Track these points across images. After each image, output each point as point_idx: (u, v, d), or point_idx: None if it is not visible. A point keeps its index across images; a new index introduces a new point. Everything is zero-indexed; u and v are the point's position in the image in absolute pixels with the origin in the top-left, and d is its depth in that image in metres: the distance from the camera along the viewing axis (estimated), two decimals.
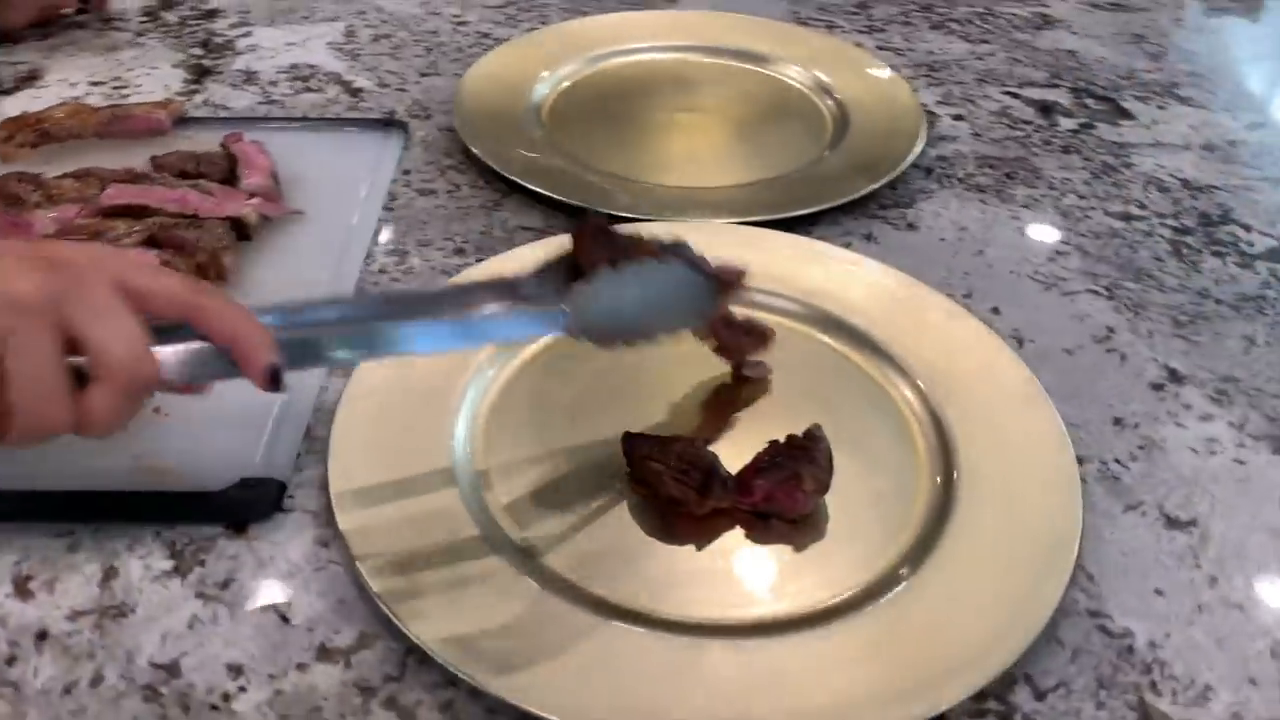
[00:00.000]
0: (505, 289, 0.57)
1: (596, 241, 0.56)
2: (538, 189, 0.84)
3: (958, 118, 1.00)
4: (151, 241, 0.71)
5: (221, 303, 0.49)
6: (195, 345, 0.48)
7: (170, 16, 1.14)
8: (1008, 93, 1.05)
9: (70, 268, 0.46)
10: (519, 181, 0.85)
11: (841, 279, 0.74)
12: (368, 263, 0.77)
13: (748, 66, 1.06)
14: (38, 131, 0.83)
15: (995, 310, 0.75)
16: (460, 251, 0.79)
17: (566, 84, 1.02)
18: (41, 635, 0.51)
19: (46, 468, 0.57)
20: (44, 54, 1.04)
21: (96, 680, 0.50)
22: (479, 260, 0.77)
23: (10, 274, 0.45)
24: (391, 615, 0.51)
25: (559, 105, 0.99)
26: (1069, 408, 0.65)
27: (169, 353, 0.48)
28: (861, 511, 0.59)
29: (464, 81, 0.98)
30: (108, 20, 1.12)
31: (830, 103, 1.00)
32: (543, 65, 1.03)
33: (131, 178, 0.77)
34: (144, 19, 1.13)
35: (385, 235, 0.80)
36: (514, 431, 0.63)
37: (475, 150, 0.88)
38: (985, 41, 1.16)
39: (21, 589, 0.54)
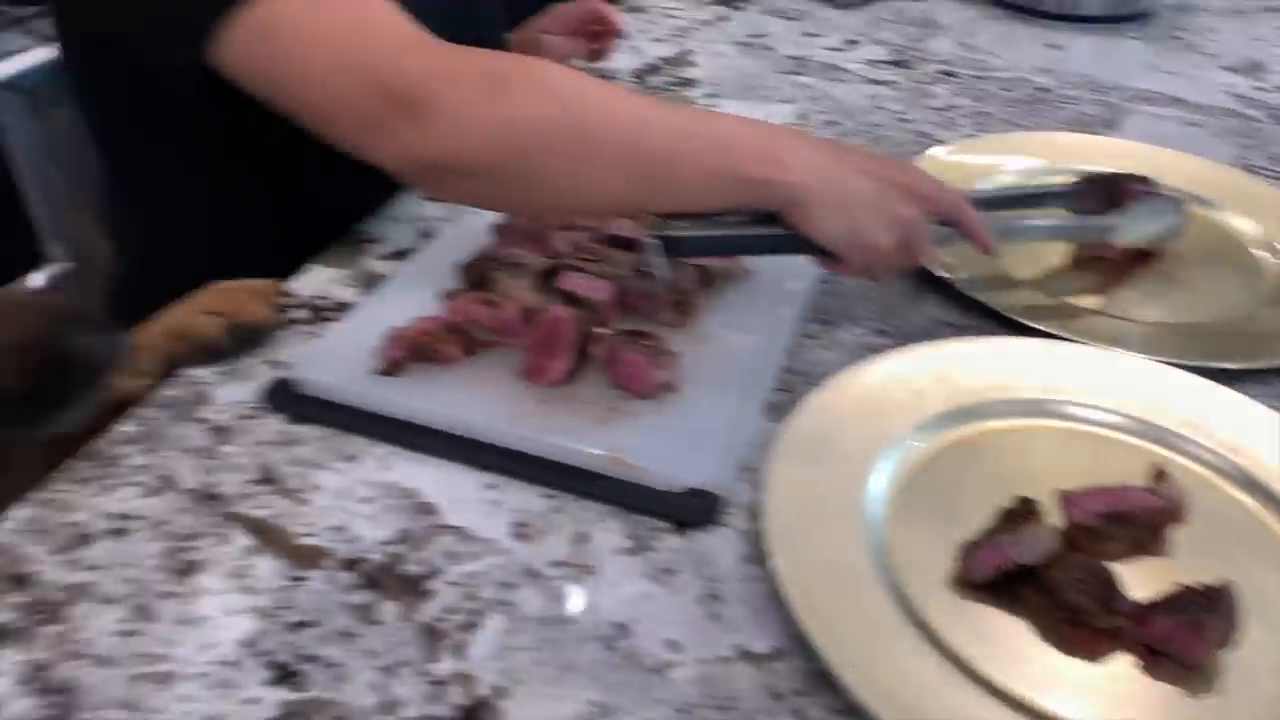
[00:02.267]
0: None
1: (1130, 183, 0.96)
2: (960, 288, 0.90)
3: None
4: (639, 272, 0.85)
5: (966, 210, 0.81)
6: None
7: (655, 80, 1.32)
8: None
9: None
10: (943, 277, 0.92)
11: (1265, 439, 0.75)
12: (800, 325, 0.87)
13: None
14: None
15: None
16: (883, 333, 0.88)
17: None
18: (532, 573, 0.65)
19: (544, 443, 0.71)
20: None
21: (570, 620, 0.62)
22: (898, 345, 0.85)
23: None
24: (809, 637, 0.59)
25: None
26: None
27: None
28: (1259, 676, 0.60)
29: None
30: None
31: (1274, 259, 0.99)
32: (975, 175, 1.09)
33: (630, 217, 0.92)
34: (633, 80, 1.31)
35: (818, 304, 0.90)
36: (927, 506, 0.70)
37: None
38: None
39: (519, 534, 0.67)
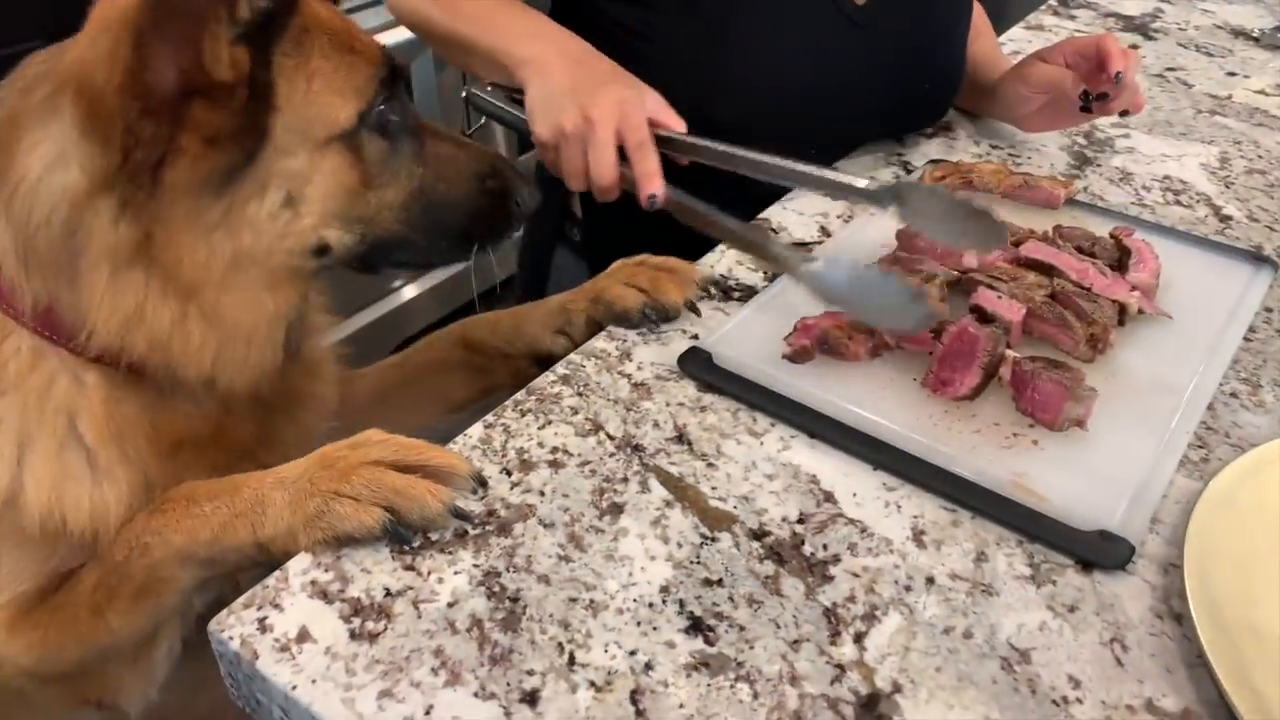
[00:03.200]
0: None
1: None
2: None
3: None
4: (1052, 298, 0.83)
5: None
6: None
7: None
8: None
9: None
10: None
11: None
12: (1222, 383, 0.82)
13: None
14: (964, 180, 1.01)
15: None
16: None
17: None
18: (930, 580, 0.65)
19: (945, 455, 0.72)
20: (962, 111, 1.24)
21: (968, 634, 0.62)
22: None
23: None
24: (1230, 702, 0.56)
25: None
26: None
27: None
28: None
29: None
30: None
31: None
32: None
33: (1044, 239, 0.90)
34: None
35: (1240, 362, 0.84)
36: None
37: None
38: None
39: (918, 538, 0.68)
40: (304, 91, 0.70)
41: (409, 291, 2.24)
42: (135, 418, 0.72)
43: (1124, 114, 1.06)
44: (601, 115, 0.85)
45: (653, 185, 0.85)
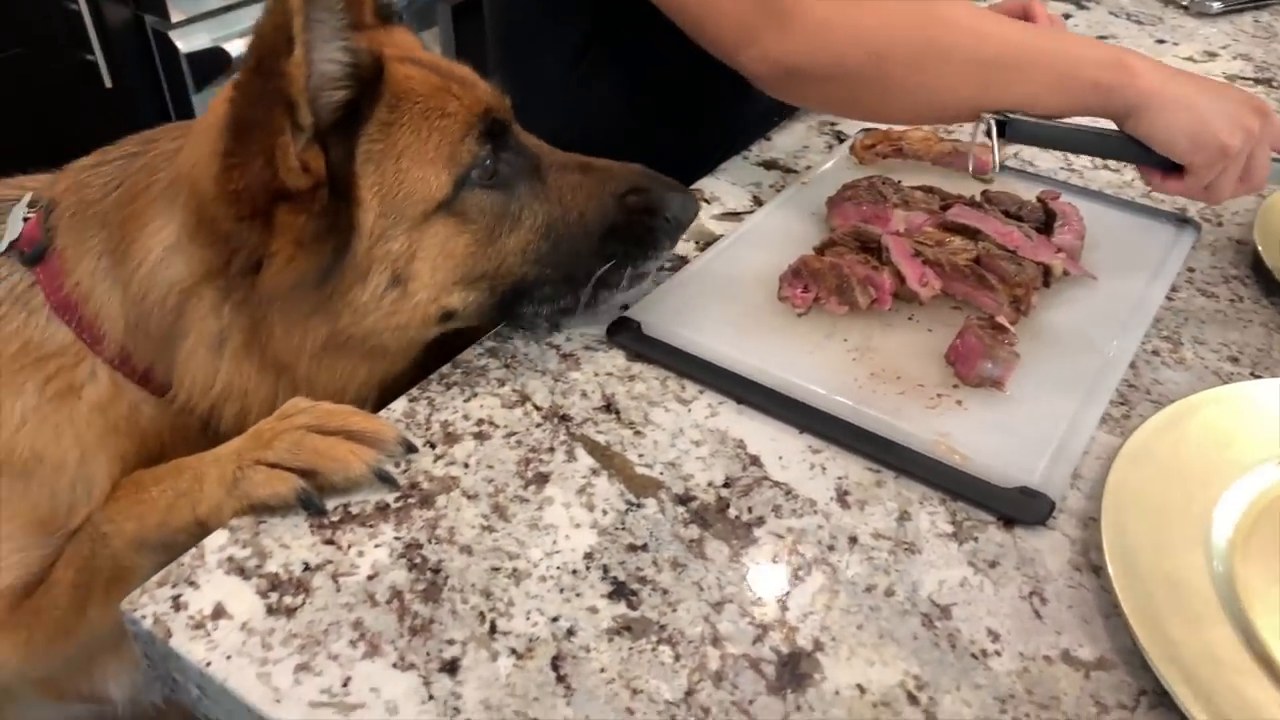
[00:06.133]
0: None
1: None
2: None
3: None
4: (975, 262, 0.84)
5: None
6: None
7: None
8: None
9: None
10: None
11: None
12: (1144, 342, 0.83)
13: None
14: (894, 147, 1.01)
15: None
16: (1234, 360, 0.82)
17: None
18: (853, 539, 0.66)
19: (870, 417, 0.72)
20: None
21: (889, 592, 0.63)
22: (1254, 375, 0.80)
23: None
24: (1144, 650, 0.57)
25: None
26: None
27: None
28: None
29: (1274, 201, 0.98)
30: None
31: None
32: None
33: (970, 203, 0.91)
34: None
35: (1161, 321, 0.86)
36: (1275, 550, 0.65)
37: (1272, 268, 0.89)
38: None
39: (842, 499, 0.68)
40: (393, 173, 0.69)
41: None
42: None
43: None
44: (1259, 124, 0.81)
45: None
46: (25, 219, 0.74)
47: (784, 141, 1.10)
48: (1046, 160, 1.09)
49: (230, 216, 0.66)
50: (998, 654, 0.59)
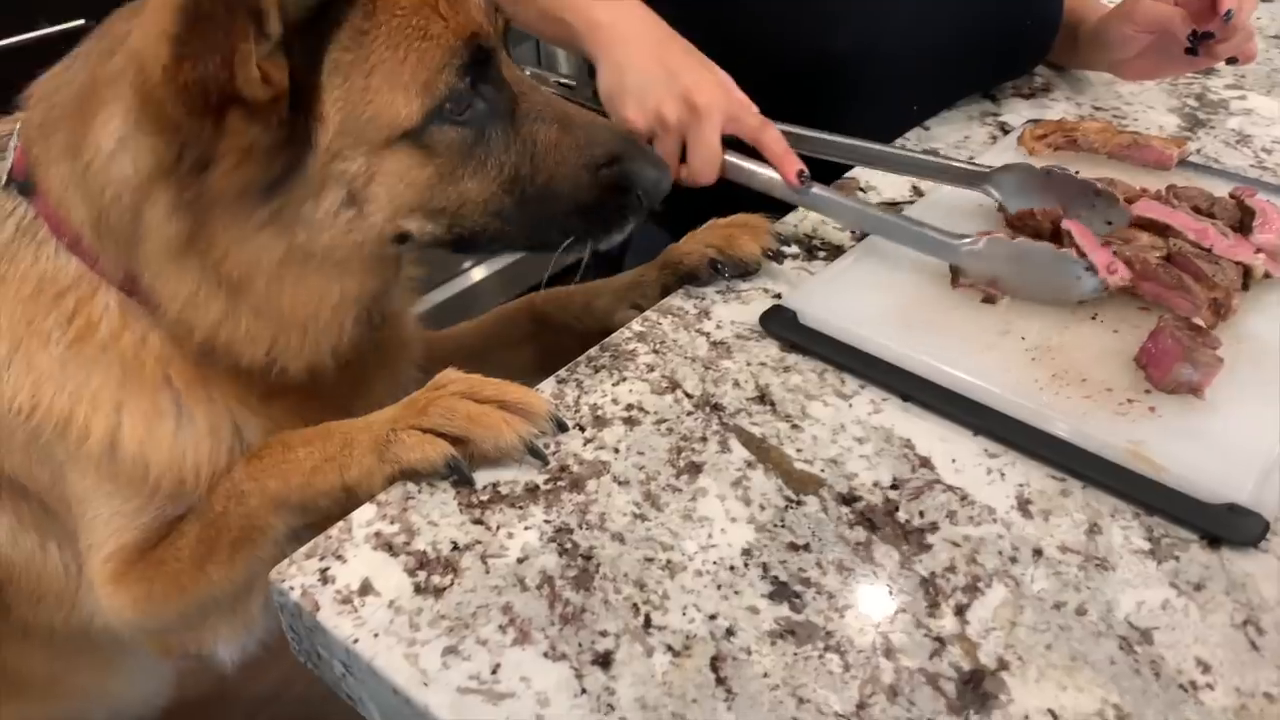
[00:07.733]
0: None
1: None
2: None
3: None
4: (1168, 259, 0.77)
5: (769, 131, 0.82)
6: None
7: None
8: None
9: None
10: None
11: None
12: None
13: None
14: (1067, 138, 0.94)
15: None
16: None
17: None
18: (1037, 552, 0.60)
19: (1054, 422, 0.66)
20: (1057, 71, 1.16)
21: (1081, 610, 0.57)
22: None
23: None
24: None
25: None
26: None
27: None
28: None
29: None
30: None
31: None
32: None
33: (1158, 197, 0.83)
34: None
35: None
36: None
37: None
38: None
39: (1024, 508, 0.63)
40: (360, 90, 0.63)
41: (478, 273, 2.22)
42: (222, 369, 0.70)
43: (1231, 61, 0.98)
44: (708, 103, 0.80)
45: (797, 162, 0.82)
46: (16, 147, 0.70)
47: (943, 131, 1.04)
48: (1234, 157, 1.00)
49: (180, 106, 0.60)
50: (1209, 687, 0.53)
